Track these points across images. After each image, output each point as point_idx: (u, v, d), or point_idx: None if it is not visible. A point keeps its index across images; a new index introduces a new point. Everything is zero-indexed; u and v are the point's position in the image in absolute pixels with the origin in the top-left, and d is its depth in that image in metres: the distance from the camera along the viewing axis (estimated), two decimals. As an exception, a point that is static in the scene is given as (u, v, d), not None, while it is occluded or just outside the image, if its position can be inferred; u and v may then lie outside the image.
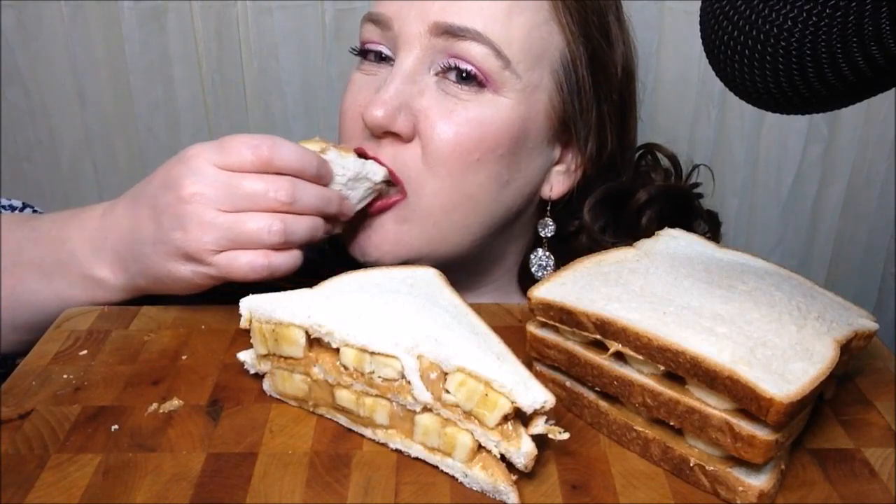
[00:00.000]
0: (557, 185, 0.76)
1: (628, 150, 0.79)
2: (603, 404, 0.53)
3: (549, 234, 0.77)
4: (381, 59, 0.73)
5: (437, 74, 0.69)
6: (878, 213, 1.26)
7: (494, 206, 0.72)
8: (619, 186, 0.78)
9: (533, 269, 0.78)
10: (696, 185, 0.82)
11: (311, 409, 0.55)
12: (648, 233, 0.75)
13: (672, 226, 0.74)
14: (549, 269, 0.77)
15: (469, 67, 0.67)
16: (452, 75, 0.68)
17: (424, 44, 0.68)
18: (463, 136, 0.68)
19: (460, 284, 0.78)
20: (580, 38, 0.71)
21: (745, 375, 0.45)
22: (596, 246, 0.76)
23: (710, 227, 0.81)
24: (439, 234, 0.72)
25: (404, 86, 0.68)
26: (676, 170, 0.82)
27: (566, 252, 0.76)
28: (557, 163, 0.76)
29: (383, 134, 0.69)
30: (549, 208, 0.77)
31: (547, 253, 0.77)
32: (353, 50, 0.75)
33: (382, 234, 0.72)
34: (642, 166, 0.82)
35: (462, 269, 0.75)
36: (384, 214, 0.71)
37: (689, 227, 0.77)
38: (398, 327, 0.52)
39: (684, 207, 0.80)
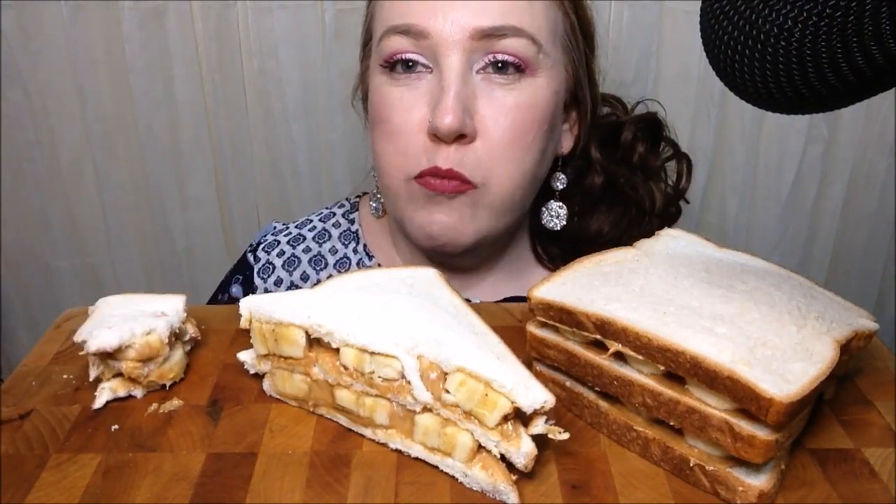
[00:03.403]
0: (566, 141, 0.83)
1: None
2: (603, 404, 0.53)
3: (561, 187, 0.83)
4: (408, 67, 0.74)
5: (478, 72, 0.73)
6: (878, 213, 1.26)
7: (539, 175, 0.79)
8: (607, 127, 0.86)
9: (544, 221, 0.84)
10: (656, 112, 0.90)
11: (311, 409, 0.55)
12: (643, 159, 0.85)
13: (651, 145, 0.85)
14: (562, 218, 0.83)
15: (510, 59, 0.72)
16: (492, 68, 0.72)
17: (466, 47, 0.71)
18: (519, 123, 0.73)
19: (484, 260, 0.83)
20: (572, 10, 0.77)
21: (745, 375, 0.45)
22: (610, 179, 0.84)
23: (673, 148, 0.90)
24: (504, 215, 0.77)
25: (461, 88, 0.71)
26: (623, 106, 0.90)
27: (580, 194, 0.84)
28: (564, 122, 0.82)
29: (454, 139, 0.72)
30: (560, 164, 0.83)
31: (559, 203, 0.83)
32: (383, 64, 0.75)
33: (453, 217, 0.74)
34: (606, 109, 0.90)
35: (494, 244, 0.81)
36: (456, 198, 0.73)
37: (659, 147, 0.88)
38: (398, 327, 0.52)
39: (656, 131, 0.89)
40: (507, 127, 0.72)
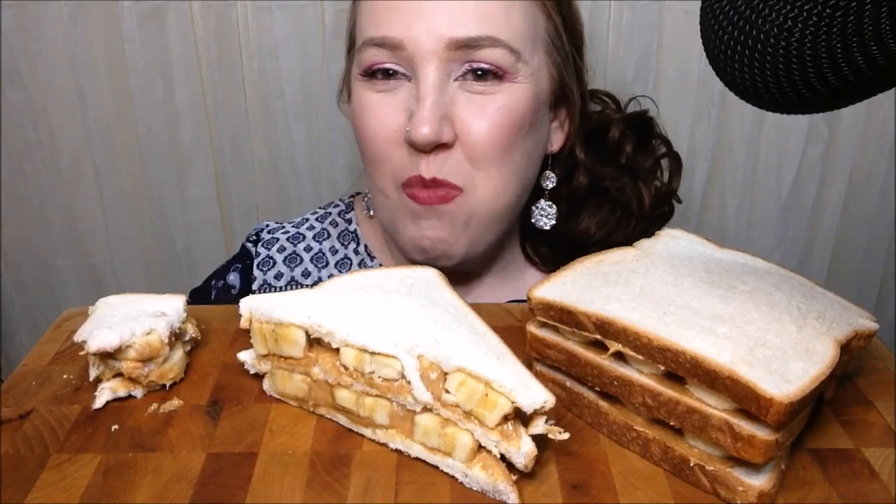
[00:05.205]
0: (556, 140, 0.83)
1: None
2: (603, 404, 0.53)
3: (551, 186, 0.83)
4: (389, 75, 0.74)
5: (457, 80, 0.73)
6: (878, 213, 1.26)
7: (527, 176, 0.79)
8: (595, 125, 0.86)
9: (534, 220, 0.84)
10: (646, 110, 0.90)
11: (311, 409, 0.55)
12: (629, 158, 0.85)
13: (639, 145, 0.85)
14: (552, 217, 0.83)
15: (488, 68, 0.72)
16: (471, 76, 0.72)
17: (443, 57, 0.71)
18: (497, 127, 0.73)
19: (475, 265, 0.83)
20: (555, 10, 0.77)
21: (745, 375, 0.45)
22: (595, 179, 0.84)
23: (665, 146, 0.89)
24: (494, 221, 0.77)
25: (437, 98, 0.71)
26: (617, 103, 0.90)
27: (567, 196, 0.84)
28: (552, 120, 0.82)
29: (432, 148, 0.72)
30: (550, 163, 0.84)
31: (549, 202, 0.84)
32: (362, 74, 0.76)
33: (444, 231, 0.75)
34: (596, 106, 0.91)
35: (486, 251, 0.81)
36: (445, 210, 0.74)
37: (650, 146, 0.87)
38: (398, 327, 0.52)
39: (646, 129, 0.88)
40: (485, 131, 0.72)
